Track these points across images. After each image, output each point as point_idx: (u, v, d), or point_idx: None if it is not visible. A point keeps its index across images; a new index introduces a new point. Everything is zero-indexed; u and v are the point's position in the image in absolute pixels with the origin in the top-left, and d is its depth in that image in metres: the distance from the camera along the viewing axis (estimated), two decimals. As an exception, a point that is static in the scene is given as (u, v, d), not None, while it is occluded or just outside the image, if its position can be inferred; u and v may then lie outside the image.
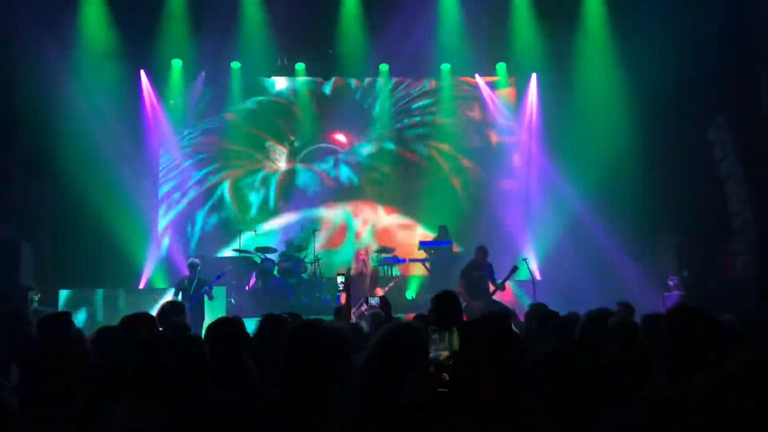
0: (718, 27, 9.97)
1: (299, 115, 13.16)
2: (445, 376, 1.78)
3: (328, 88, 13.31)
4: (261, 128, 13.08)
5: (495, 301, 8.30)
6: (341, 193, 13.05)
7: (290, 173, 13.04)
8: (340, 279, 6.73)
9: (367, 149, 13.23)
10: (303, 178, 13.06)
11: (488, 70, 13.41)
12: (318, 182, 13.06)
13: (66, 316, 4.26)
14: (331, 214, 12.90)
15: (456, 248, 11.70)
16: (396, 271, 11.80)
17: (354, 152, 13.20)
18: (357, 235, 12.78)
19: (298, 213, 12.78)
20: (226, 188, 12.84)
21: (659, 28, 10.38)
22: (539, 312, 4.85)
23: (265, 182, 12.98)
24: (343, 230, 12.87)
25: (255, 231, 12.04)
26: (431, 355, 1.86)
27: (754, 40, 9.71)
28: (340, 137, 13.23)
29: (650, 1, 10.60)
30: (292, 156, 13.06)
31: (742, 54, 9.92)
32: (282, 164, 13.06)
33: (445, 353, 1.84)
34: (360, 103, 13.39)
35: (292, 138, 13.06)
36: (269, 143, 13.05)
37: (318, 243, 11.78)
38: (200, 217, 12.71)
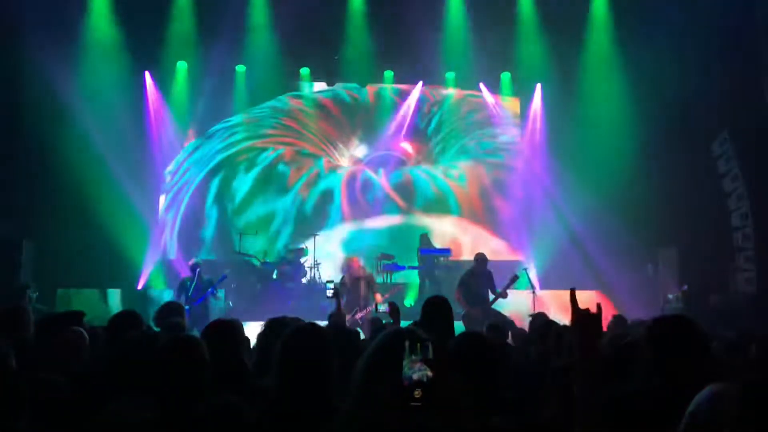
0: (722, 41, 9.97)
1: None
2: (418, 393, 1.75)
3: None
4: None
5: (494, 310, 8.26)
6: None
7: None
8: (329, 286, 6.71)
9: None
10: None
11: (493, 80, 13.46)
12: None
13: (80, 315, 4.21)
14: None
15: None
16: (395, 277, 11.79)
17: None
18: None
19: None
20: (231, 187, 12.87)
21: (664, 42, 10.40)
22: (541, 320, 4.85)
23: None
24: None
25: (256, 232, 12.05)
26: (407, 371, 1.83)
27: (759, 54, 9.71)
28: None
29: (655, 16, 10.62)
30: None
31: (747, 68, 9.92)
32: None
33: (421, 369, 1.81)
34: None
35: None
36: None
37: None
38: (202, 218, 12.71)
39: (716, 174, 10.77)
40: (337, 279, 9.11)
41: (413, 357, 1.86)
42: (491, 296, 8.39)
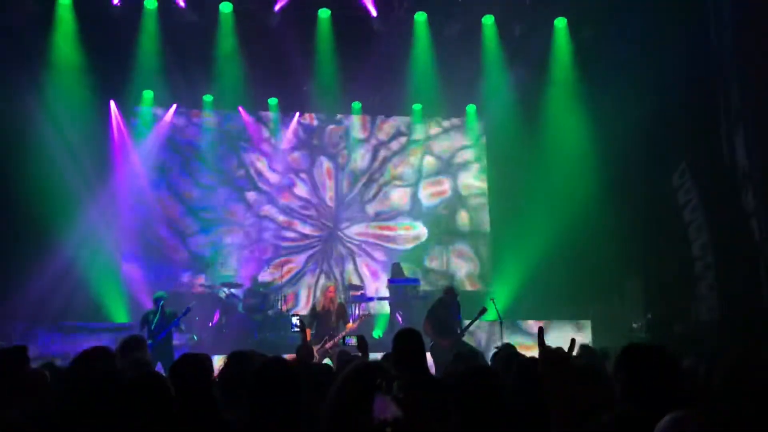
0: (682, 77, 10.30)
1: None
2: (388, 430, 1.73)
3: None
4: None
5: (463, 342, 8.25)
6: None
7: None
8: (294, 320, 6.61)
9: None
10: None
11: (458, 112, 13.68)
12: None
13: (22, 351, 4.08)
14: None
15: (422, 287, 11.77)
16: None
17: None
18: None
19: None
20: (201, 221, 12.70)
21: (625, 77, 10.71)
22: (506, 353, 4.84)
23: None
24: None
25: (221, 264, 11.90)
26: (376, 409, 1.81)
27: (716, 89, 10.06)
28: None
29: (617, 52, 10.93)
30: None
31: (705, 103, 10.25)
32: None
33: (390, 408, 1.79)
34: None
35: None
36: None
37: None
38: (167, 249, 12.50)
39: (677, 205, 11.02)
40: (302, 311, 9.03)
41: (383, 394, 1.83)
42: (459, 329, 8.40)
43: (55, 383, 3.62)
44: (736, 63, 9.62)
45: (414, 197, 13.59)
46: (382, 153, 13.65)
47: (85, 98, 11.13)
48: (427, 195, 13.61)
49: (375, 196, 13.45)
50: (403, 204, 13.52)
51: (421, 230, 13.42)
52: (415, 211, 13.51)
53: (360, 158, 13.52)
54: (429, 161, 13.74)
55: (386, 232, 13.31)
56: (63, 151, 10.84)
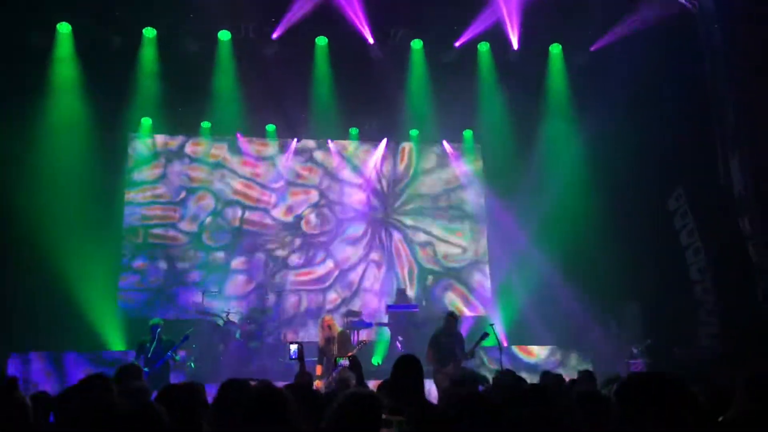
0: (677, 102, 10.39)
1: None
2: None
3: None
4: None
5: (465, 368, 8.20)
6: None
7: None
8: (292, 348, 6.53)
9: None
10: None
11: (455, 137, 13.74)
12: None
13: (13, 381, 4.02)
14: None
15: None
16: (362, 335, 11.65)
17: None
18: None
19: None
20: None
21: (621, 101, 10.79)
22: (506, 380, 4.81)
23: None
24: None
25: (218, 291, 11.84)
26: None
27: (711, 114, 10.13)
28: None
29: (612, 77, 11.03)
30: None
31: (700, 127, 10.32)
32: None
33: None
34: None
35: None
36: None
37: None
38: (164, 276, 12.45)
39: (674, 229, 11.04)
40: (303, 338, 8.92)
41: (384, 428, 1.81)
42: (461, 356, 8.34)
43: (44, 413, 3.57)
44: (731, 88, 9.71)
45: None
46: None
47: (85, 126, 11.17)
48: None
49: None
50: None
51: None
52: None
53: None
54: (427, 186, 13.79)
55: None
56: (62, 179, 10.84)
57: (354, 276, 13.13)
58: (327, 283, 12.99)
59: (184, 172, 12.92)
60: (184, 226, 12.74)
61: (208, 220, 12.83)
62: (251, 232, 12.94)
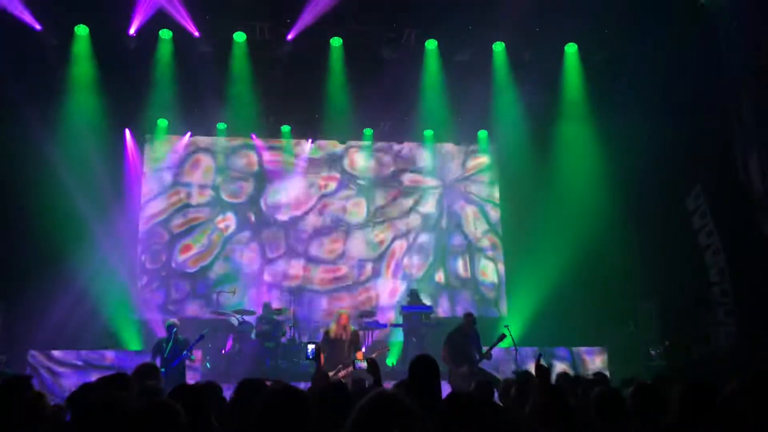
0: (695, 100, 10.27)
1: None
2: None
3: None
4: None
5: (481, 369, 8.17)
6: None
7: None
8: (310, 347, 6.52)
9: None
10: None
11: (470, 138, 13.70)
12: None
13: (25, 380, 4.06)
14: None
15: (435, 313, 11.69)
16: (376, 335, 11.65)
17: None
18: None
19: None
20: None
21: (637, 100, 10.68)
22: (518, 380, 4.81)
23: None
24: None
25: (234, 292, 11.88)
26: None
27: (729, 113, 10.00)
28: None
29: (628, 76, 10.93)
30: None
31: (718, 127, 10.19)
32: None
33: None
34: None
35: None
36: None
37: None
38: (179, 276, 12.53)
39: (692, 229, 10.91)
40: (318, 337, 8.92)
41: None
42: (477, 356, 8.32)
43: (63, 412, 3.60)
44: (750, 85, 9.58)
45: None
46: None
47: (100, 127, 11.27)
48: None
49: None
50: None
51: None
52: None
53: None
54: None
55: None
56: (78, 180, 10.95)
57: (371, 277, 13.16)
58: (344, 284, 13.01)
59: (202, 172, 13.00)
60: (201, 227, 12.82)
61: (223, 219, 12.90)
62: (267, 233, 12.99)
